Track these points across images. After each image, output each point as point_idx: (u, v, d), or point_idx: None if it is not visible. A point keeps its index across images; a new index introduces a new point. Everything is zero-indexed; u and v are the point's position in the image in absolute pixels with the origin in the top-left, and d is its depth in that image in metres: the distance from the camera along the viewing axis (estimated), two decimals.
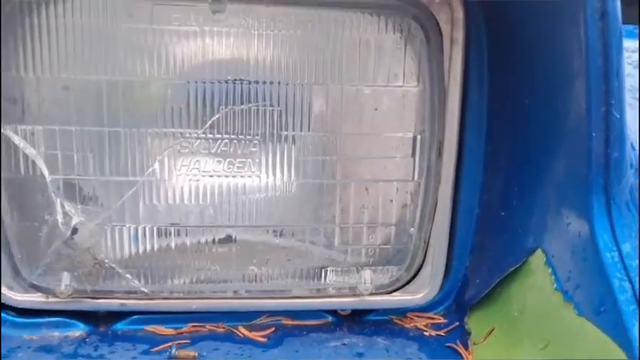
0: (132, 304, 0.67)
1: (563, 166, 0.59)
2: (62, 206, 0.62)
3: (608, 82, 0.51)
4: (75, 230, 0.63)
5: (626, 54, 0.63)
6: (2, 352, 0.63)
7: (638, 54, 0.72)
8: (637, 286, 0.52)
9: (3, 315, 0.66)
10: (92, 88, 0.59)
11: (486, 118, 0.68)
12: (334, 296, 0.69)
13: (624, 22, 0.52)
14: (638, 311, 0.51)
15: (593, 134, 0.54)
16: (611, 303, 0.52)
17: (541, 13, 0.55)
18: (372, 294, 0.69)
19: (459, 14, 0.61)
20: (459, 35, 0.62)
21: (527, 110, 0.62)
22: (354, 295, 0.69)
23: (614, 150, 0.55)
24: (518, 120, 0.64)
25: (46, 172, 0.61)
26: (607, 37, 0.49)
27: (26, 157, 0.61)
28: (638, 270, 0.53)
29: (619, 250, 0.55)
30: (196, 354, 0.63)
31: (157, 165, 0.62)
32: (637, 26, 0.79)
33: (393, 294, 0.68)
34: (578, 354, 0.55)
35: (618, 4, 0.49)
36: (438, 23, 0.62)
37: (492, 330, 0.67)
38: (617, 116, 0.53)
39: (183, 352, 0.63)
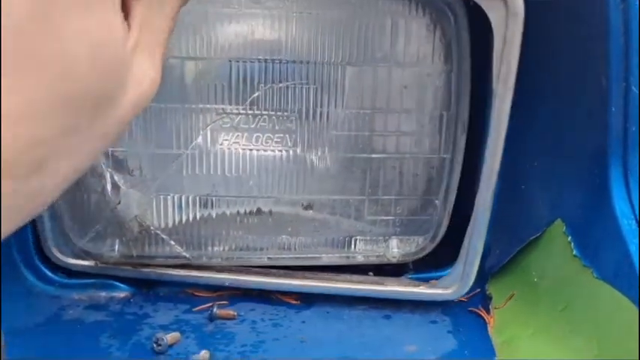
0: (173, 273, 0.71)
1: (583, 139, 0.63)
2: (111, 177, 0.66)
3: (629, 60, 0.55)
4: (122, 200, 0.67)
5: None
6: (54, 310, 0.68)
7: None
8: None
9: (54, 277, 0.71)
10: None
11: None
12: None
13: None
14: None
15: (613, 109, 0.58)
16: (627, 266, 0.57)
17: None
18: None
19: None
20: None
21: (548, 87, 0.66)
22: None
23: (632, 124, 0.59)
24: (540, 96, 0.68)
25: None
26: (628, 17, 0.53)
27: None
28: None
29: (635, 217, 0.59)
30: (235, 313, 0.68)
31: (200, 139, 0.66)
32: None
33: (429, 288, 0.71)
34: (596, 312, 0.59)
35: None
36: (466, 7, 0.65)
37: (512, 295, 0.71)
38: (636, 92, 0.57)
39: (223, 312, 0.67)
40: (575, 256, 0.64)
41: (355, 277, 0.73)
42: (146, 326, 0.66)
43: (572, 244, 0.64)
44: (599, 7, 0.54)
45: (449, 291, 0.70)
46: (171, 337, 0.62)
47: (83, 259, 0.69)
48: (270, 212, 0.71)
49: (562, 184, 0.67)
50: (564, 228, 0.66)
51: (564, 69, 0.63)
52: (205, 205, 0.69)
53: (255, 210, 0.70)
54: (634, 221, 0.59)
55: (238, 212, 0.70)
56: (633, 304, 0.54)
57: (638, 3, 0.53)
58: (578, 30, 0.59)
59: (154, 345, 0.61)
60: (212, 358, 0.60)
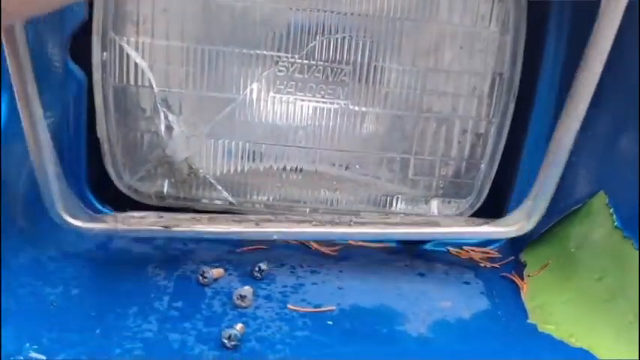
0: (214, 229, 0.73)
1: (627, 115, 0.63)
2: (165, 117, 0.68)
3: None
4: (174, 141, 0.69)
5: None
6: (103, 239, 0.71)
7: None
8: None
9: (102, 209, 0.73)
10: (200, 6, 0.64)
11: (561, 67, 0.71)
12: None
13: (623, 27, 0.55)
14: None
15: None
16: None
17: None
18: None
19: None
20: None
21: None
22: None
23: None
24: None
25: (154, 83, 0.67)
26: None
27: (135, 68, 0.67)
28: None
29: None
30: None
31: (254, 85, 0.67)
32: None
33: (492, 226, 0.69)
34: (632, 282, 0.60)
35: None
36: None
37: (547, 264, 0.72)
38: None
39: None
40: (616, 227, 0.64)
41: (407, 217, 0.72)
42: (190, 261, 0.68)
43: (614, 215, 0.65)
44: None
45: (513, 228, 0.67)
46: (215, 271, 0.65)
47: (133, 194, 0.72)
48: (316, 171, 0.72)
49: (606, 156, 0.67)
50: (607, 200, 0.67)
51: (618, 49, 0.62)
52: (253, 158, 0.70)
53: (300, 167, 0.72)
54: None
55: (284, 168, 0.71)
56: None
57: None
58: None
59: (200, 277, 0.63)
60: (254, 294, 0.62)
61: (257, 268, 0.65)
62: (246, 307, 0.60)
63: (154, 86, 0.67)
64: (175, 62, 0.66)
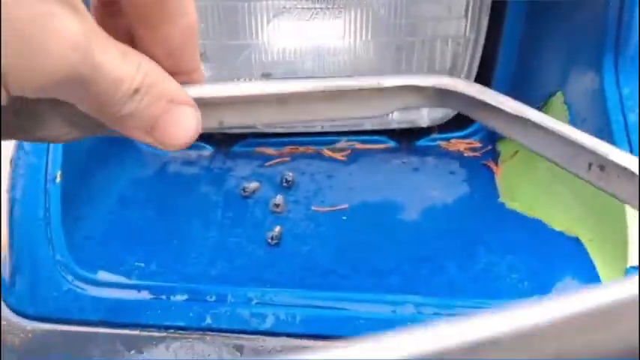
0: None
1: (584, 25, 0.76)
2: None
3: None
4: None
5: None
6: (158, 165, 0.89)
7: None
8: (628, 121, 0.72)
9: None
10: None
11: None
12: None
13: None
14: (626, 139, 0.71)
15: (610, 2, 0.70)
16: (607, 132, 0.73)
17: None
18: None
19: None
20: None
21: None
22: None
23: (626, 14, 0.70)
24: None
25: None
26: None
27: None
28: (630, 109, 0.73)
29: (619, 92, 0.74)
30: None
31: (265, 31, 0.80)
32: None
33: None
34: None
35: None
36: None
37: (517, 152, 0.89)
38: None
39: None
40: (569, 122, 0.80)
41: None
42: (231, 177, 0.87)
43: (568, 112, 0.80)
44: None
45: None
46: (253, 185, 0.83)
47: None
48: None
49: (565, 62, 0.80)
50: (563, 99, 0.81)
51: None
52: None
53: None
54: (617, 94, 0.74)
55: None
56: None
57: None
58: None
59: (242, 191, 0.82)
60: (285, 201, 0.81)
61: (284, 180, 0.83)
62: (280, 213, 0.79)
63: None
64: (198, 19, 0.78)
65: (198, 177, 0.87)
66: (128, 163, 0.88)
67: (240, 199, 0.82)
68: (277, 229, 0.75)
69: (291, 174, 0.84)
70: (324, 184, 0.86)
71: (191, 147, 0.92)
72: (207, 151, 0.92)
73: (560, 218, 0.78)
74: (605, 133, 0.73)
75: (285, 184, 0.84)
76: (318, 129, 0.91)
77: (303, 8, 0.79)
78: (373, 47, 0.83)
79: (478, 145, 0.95)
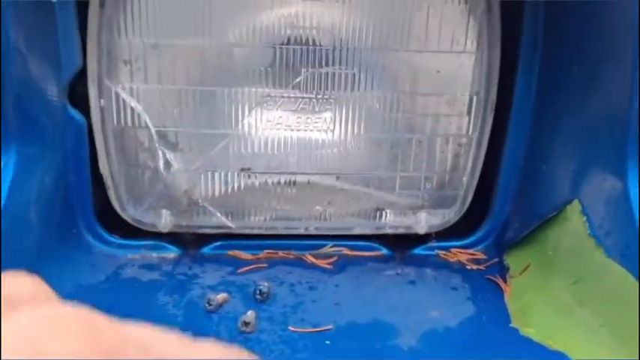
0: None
1: (603, 128, 0.67)
2: (163, 154, 0.72)
3: None
4: (173, 176, 0.73)
5: None
6: (112, 269, 0.76)
7: None
8: None
9: (110, 238, 0.78)
10: (191, 51, 0.68)
11: (536, 81, 0.75)
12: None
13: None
14: None
15: (636, 105, 0.62)
16: (634, 247, 0.62)
17: None
18: None
19: None
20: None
21: (574, 76, 0.70)
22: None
23: None
24: (565, 84, 0.71)
25: (150, 125, 0.70)
26: None
27: (132, 111, 0.70)
28: None
29: None
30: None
31: (246, 120, 0.71)
32: None
33: None
34: (604, 290, 0.66)
35: None
36: None
37: (528, 266, 0.77)
38: None
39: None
40: (589, 234, 0.69)
41: None
42: (196, 286, 0.74)
43: (588, 223, 0.70)
44: (630, 8, 0.57)
45: None
46: (220, 297, 0.70)
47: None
48: (308, 182, 0.77)
49: (581, 167, 0.71)
50: (581, 208, 0.71)
51: (591, 62, 0.66)
52: (249, 180, 0.75)
53: (293, 181, 0.76)
54: None
55: (279, 182, 0.76)
56: (637, 281, 0.60)
57: None
58: (609, 27, 0.62)
59: (206, 304, 0.69)
60: (257, 318, 0.67)
61: (258, 291, 0.71)
62: (250, 332, 0.65)
63: (151, 127, 0.70)
64: (170, 104, 0.70)
65: (157, 285, 0.74)
66: (78, 265, 0.75)
67: (204, 313, 0.69)
68: None
69: (266, 284, 0.72)
70: (306, 297, 0.73)
71: (153, 248, 0.81)
72: (172, 253, 0.80)
73: (584, 348, 0.65)
74: (634, 249, 0.62)
75: (258, 297, 0.71)
76: (301, 231, 0.79)
77: (290, 97, 0.71)
78: (365, 142, 0.74)
79: (482, 256, 0.84)
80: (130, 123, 0.71)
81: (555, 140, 0.75)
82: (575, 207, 0.73)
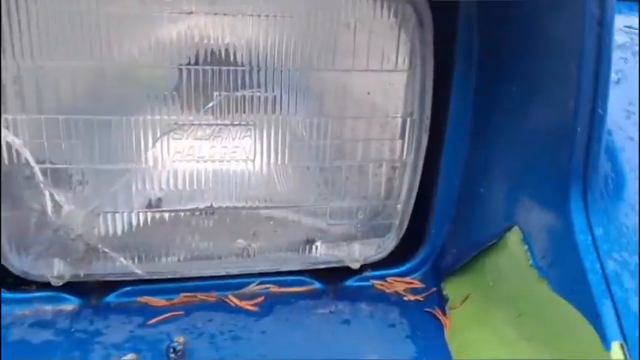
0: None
1: (546, 153, 0.63)
2: (51, 195, 0.61)
3: (598, 85, 0.54)
4: (65, 218, 0.62)
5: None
6: None
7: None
8: (606, 269, 0.58)
9: None
10: (77, 74, 0.57)
11: (472, 101, 0.70)
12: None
13: None
14: (607, 291, 0.57)
15: (578, 129, 0.57)
16: (582, 282, 0.58)
17: (536, 14, 0.56)
18: None
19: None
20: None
21: (513, 97, 0.65)
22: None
23: (595, 143, 0.59)
24: (504, 105, 0.66)
25: (32, 161, 0.59)
26: (602, 44, 0.51)
27: (10, 146, 0.58)
28: (607, 253, 0.59)
29: (592, 233, 0.60)
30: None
31: (150, 152, 0.61)
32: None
33: None
34: (549, 325, 0.61)
35: (614, 14, 0.50)
36: (431, 7, 0.62)
37: (468, 296, 0.72)
38: (601, 113, 0.56)
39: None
40: (531, 265, 0.65)
41: None
42: (99, 346, 0.63)
43: (529, 253, 0.65)
44: (574, 29, 0.52)
45: None
46: (127, 359, 0.60)
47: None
48: (227, 221, 0.68)
49: (522, 192, 0.67)
50: (522, 236, 0.67)
51: (533, 85, 0.61)
52: (157, 220, 0.65)
53: (210, 220, 0.67)
54: (589, 236, 0.60)
55: (193, 214, 0.66)
56: (588, 321, 0.56)
57: (613, 28, 0.51)
58: (549, 49, 0.57)
59: None
60: None
61: (172, 350, 0.61)
62: None
63: (33, 163, 0.59)
64: (55, 136, 0.58)
65: (51, 347, 0.63)
66: None
67: None
68: None
69: (181, 340, 0.62)
70: (228, 350, 0.64)
71: (48, 300, 0.69)
72: (71, 304, 0.68)
73: None
74: (581, 284, 0.58)
75: (172, 356, 0.61)
76: (221, 272, 0.70)
77: (201, 124, 0.61)
78: (292, 170, 0.66)
79: (420, 285, 0.78)
80: (7, 160, 0.59)
81: (493, 163, 0.70)
82: (515, 234, 0.68)
